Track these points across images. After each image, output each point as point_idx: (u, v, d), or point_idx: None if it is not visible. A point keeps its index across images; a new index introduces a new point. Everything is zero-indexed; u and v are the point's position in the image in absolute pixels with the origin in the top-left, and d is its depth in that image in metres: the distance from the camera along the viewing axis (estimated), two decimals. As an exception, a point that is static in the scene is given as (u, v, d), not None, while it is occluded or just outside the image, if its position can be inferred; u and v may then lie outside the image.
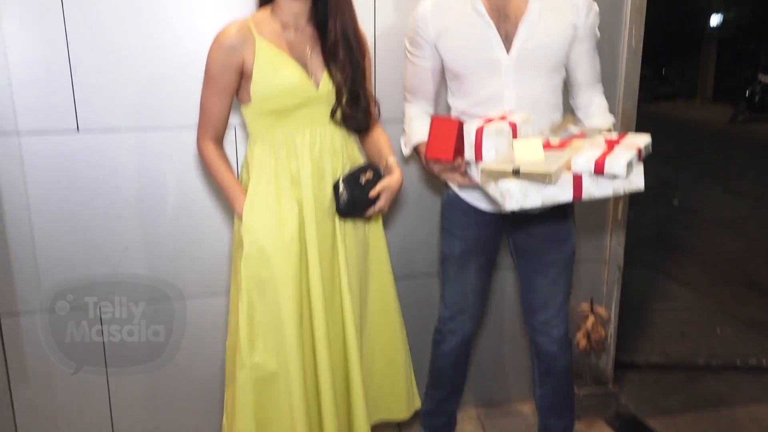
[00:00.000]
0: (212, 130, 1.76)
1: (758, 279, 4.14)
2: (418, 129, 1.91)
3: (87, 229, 2.18)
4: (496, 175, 1.52)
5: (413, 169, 2.42)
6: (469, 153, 1.65)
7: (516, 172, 1.49)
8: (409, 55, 1.94)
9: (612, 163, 1.46)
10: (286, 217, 1.74)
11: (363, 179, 1.78)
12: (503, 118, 1.67)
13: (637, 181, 1.53)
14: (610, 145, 1.56)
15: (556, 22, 1.79)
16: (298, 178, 1.75)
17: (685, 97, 16.72)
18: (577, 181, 1.52)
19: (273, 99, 1.68)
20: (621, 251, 2.62)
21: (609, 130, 1.75)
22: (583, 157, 1.49)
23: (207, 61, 1.68)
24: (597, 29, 1.88)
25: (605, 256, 2.65)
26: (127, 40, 2.08)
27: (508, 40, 1.78)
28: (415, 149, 1.94)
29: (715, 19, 17.14)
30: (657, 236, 4.95)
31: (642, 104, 2.52)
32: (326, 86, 1.72)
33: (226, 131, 1.84)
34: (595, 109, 1.93)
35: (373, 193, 1.77)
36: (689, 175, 7.33)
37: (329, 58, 1.71)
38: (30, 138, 2.09)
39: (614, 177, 1.48)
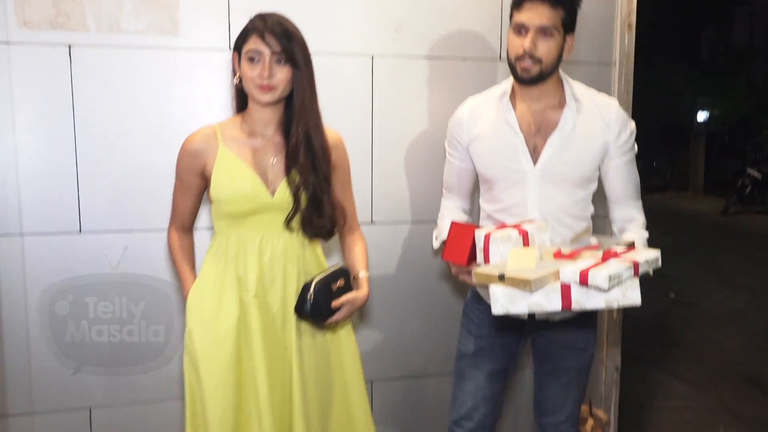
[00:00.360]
0: (178, 221, 1.87)
1: (759, 375, 4.07)
2: (447, 225, 1.96)
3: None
4: (485, 280, 1.54)
5: (408, 267, 2.46)
6: (479, 257, 1.68)
7: (501, 278, 1.50)
8: (447, 154, 2.05)
9: (595, 275, 1.45)
10: (222, 319, 1.73)
11: (334, 287, 1.77)
12: (518, 225, 1.71)
13: (632, 296, 1.50)
14: (607, 257, 1.55)
15: (586, 139, 1.85)
16: (245, 282, 1.76)
17: (676, 189, 16.99)
18: (566, 290, 1.51)
19: (227, 204, 1.74)
20: (618, 352, 2.60)
21: (628, 244, 1.72)
22: (570, 268, 1.49)
23: (176, 163, 1.79)
24: (635, 144, 1.92)
25: (602, 356, 2.63)
26: (133, 146, 2.19)
27: (536, 153, 1.85)
28: (443, 243, 1.98)
29: (702, 116, 17.68)
30: (655, 331, 4.90)
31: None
32: (283, 194, 1.75)
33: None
34: (629, 225, 1.93)
35: (335, 303, 1.76)
36: (685, 267, 7.34)
37: (290, 163, 1.75)
38: (33, 238, 2.13)
39: (599, 289, 1.48)
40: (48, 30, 2.09)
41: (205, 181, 1.78)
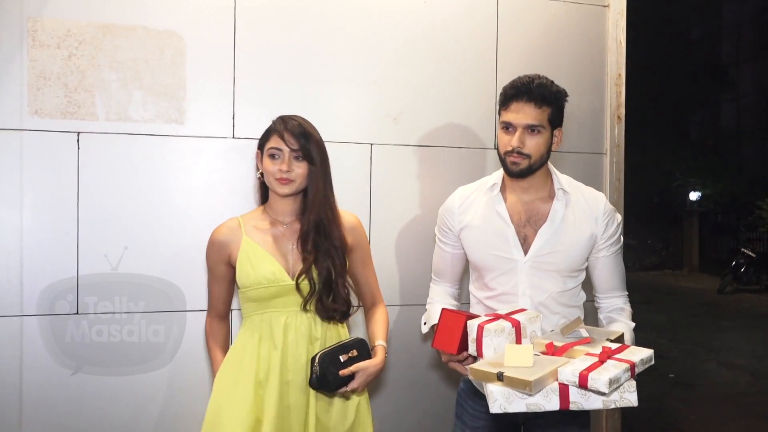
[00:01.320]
0: (214, 310, 1.97)
1: (763, 462, 3.96)
2: (436, 310, 1.96)
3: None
4: (482, 377, 1.51)
5: (399, 352, 2.44)
6: (471, 348, 1.66)
7: (499, 377, 1.48)
8: (437, 240, 2.07)
9: (595, 378, 1.42)
10: (238, 397, 1.82)
11: (344, 357, 1.81)
12: (511, 314, 1.70)
13: (629, 398, 1.48)
14: (604, 356, 1.52)
15: (575, 231, 1.88)
16: (267, 360, 1.83)
17: (672, 267, 16.97)
18: (564, 391, 1.49)
19: (251, 289, 1.84)
20: (618, 438, 2.54)
21: (619, 338, 1.73)
22: (569, 369, 1.47)
23: (206, 253, 1.92)
24: (621, 236, 1.96)
25: (603, 443, 2.57)
26: (135, 228, 2.21)
27: (526, 243, 1.88)
28: (432, 328, 1.98)
29: (694, 195, 17.89)
30: (655, 413, 4.79)
31: (630, 273, 2.57)
32: (303, 277, 1.85)
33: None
34: (615, 315, 1.95)
35: (344, 371, 1.79)
36: (683, 346, 7.25)
37: (303, 248, 1.87)
38: (32, 320, 2.13)
39: (598, 393, 1.45)
40: (58, 118, 2.15)
41: (232, 270, 1.89)
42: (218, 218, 2.16)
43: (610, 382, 1.41)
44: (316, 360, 1.78)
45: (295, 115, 1.89)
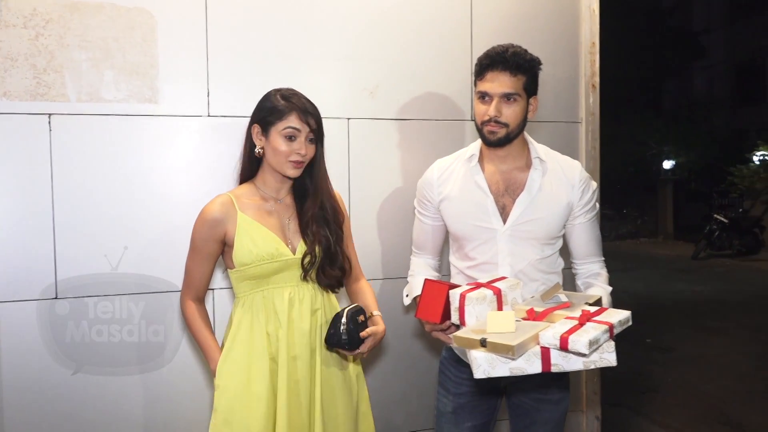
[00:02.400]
0: (194, 291, 1.87)
1: (738, 420, 4.07)
2: (418, 282, 1.96)
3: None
4: (466, 344, 1.54)
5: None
6: (454, 316, 1.68)
7: (483, 343, 1.50)
8: (417, 213, 2.08)
9: (575, 341, 1.45)
10: (255, 377, 1.79)
11: (360, 319, 1.83)
12: (492, 282, 1.72)
13: (609, 358, 1.52)
14: (583, 319, 1.55)
15: (552, 199, 1.90)
16: (275, 337, 1.81)
17: (647, 235, 17.23)
18: (545, 354, 1.51)
19: (252, 266, 1.79)
20: (598, 401, 2.60)
21: (597, 302, 1.77)
22: (550, 333, 1.50)
23: (192, 232, 1.83)
24: (596, 203, 1.98)
25: (582, 406, 2.62)
26: (111, 210, 2.18)
27: (505, 212, 1.89)
28: (415, 300, 2.00)
29: (668, 164, 18.11)
30: (634, 377, 4.90)
31: (607, 242, 2.60)
32: (302, 250, 1.84)
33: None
34: (592, 280, 1.99)
35: (364, 333, 1.81)
36: (660, 312, 7.39)
37: (305, 230, 1.85)
38: (7, 305, 2.12)
39: (579, 354, 1.48)
40: (28, 100, 2.11)
41: (222, 248, 1.84)
42: (197, 197, 2.15)
43: (590, 343, 1.44)
44: (344, 317, 1.78)
45: (292, 89, 1.83)
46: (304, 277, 1.84)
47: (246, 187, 1.89)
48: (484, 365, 1.50)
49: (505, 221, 1.88)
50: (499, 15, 2.61)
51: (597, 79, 2.74)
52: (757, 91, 18.88)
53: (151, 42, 2.21)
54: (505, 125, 1.82)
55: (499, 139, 1.84)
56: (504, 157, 1.91)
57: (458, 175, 1.95)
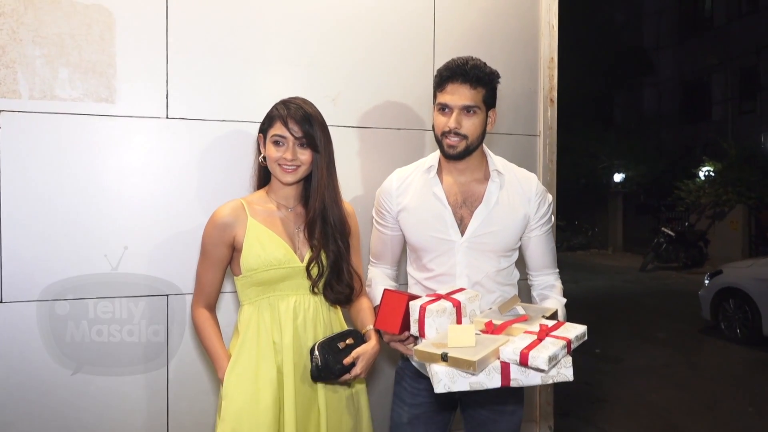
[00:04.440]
0: (205, 298, 1.87)
1: (683, 428, 4.21)
2: (377, 292, 1.97)
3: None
4: (427, 358, 1.55)
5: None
6: (414, 328, 1.69)
7: (444, 358, 1.51)
8: (375, 222, 2.08)
9: (535, 357, 1.48)
10: (263, 385, 1.79)
11: (341, 345, 1.82)
12: (451, 294, 1.74)
13: (566, 373, 1.56)
14: (542, 334, 1.58)
15: (508, 212, 1.93)
16: (280, 346, 1.82)
17: (598, 246, 17.65)
18: (505, 369, 1.54)
19: (260, 271, 1.80)
20: (551, 411, 2.65)
21: (553, 315, 1.81)
22: (510, 348, 1.52)
23: (203, 237, 1.83)
24: (552, 216, 2.02)
25: (536, 416, 2.67)
26: (62, 215, 2.13)
27: (463, 224, 1.91)
28: (374, 310, 1.99)
29: (618, 177, 18.61)
30: (584, 387, 5.01)
31: (559, 252, 2.66)
32: (308, 259, 1.85)
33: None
34: (548, 292, 2.02)
35: (347, 360, 1.80)
36: (609, 324, 7.58)
37: (309, 234, 1.87)
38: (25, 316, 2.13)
39: (538, 370, 1.51)
40: (-23, 96, 2.05)
41: (231, 253, 1.84)
42: (153, 201, 2.13)
43: (549, 359, 1.47)
44: (316, 349, 1.79)
45: (296, 98, 1.86)
46: (313, 289, 1.86)
47: (258, 194, 1.92)
48: (445, 379, 1.52)
49: (462, 233, 1.91)
50: (462, 28, 2.66)
51: (555, 93, 2.81)
52: (702, 109, 19.57)
53: (109, 40, 2.18)
54: (465, 137, 1.85)
55: (459, 153, 1.87)
56: (463, 170, 1.94)
57: (417, 186, 1.97)
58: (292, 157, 1.79)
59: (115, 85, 2.20)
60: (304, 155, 1.82)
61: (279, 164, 1.80)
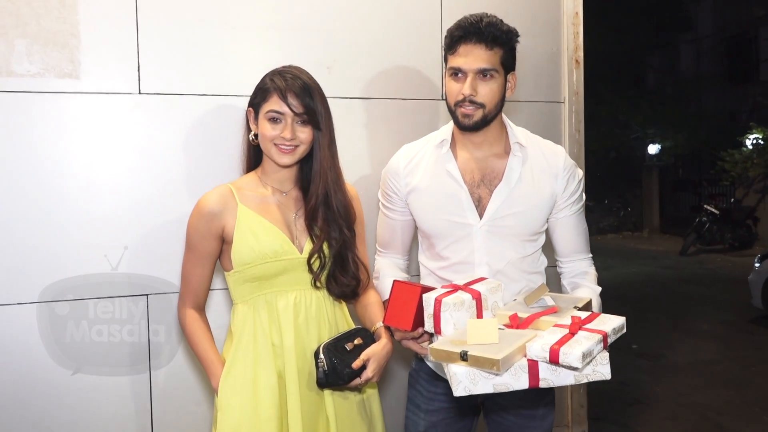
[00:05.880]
0: (193, 298, 1.87)
1: (733, 430, 4.23)
2: (386, 284, 1.96)
3: None
4: (444, 357, 1.54)
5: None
6: (428, 324, 1.68)
7: (463, 357, 1.50)
8: (381, 207, 2.08)
9: (567, 353, 1.46)
10: (263, 394, 1.79)
11: (349, 346, 1.82)
12: (470, 284, 1.73)
13: (602, 371, 1.54)
14: (575, 328, 1.57)
15: (534, 190, 1.92)
16: (281, 348, 1.81)
17: (631, 229, 17.64)
18: (533, 368, 1.53)
19: (254, 265, 1.79)
20: (584, 415, 2.67)
21: (587, 305, 1.80)
22: (538, 344, 1.51)
23: (187, 229, 1.82)
24: (582, 193, 2.01)
25: (567, 420, 2.68)
26: (23, 201, 2.15)
27: (481, 206, 1.91)
28: (383, 304, 1.99)
29: (653, 149, 18.54)
30: (620, 388, 5.03)
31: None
32: (309, 251, 1.83)
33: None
34: (580, 280, 2.02)
35: (356, 363, 1.80)
36: (646, 315, 7.59)
37: (310, 222, 1.85)
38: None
39: (570, 368, 1.51)
40: None
41: (221, 245, 1.83)
42: (123, 186, 2.14)
43: (584, 355, 1.46)
44: (320, 353, 1.78)
45: (290, 66, 1.83)
46: (314, 283, 1.85)
47: (249, 177, 1.90)
48: (465, 381, 1.52)
49: (481, 216, 1.91)
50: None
51: (581, 54, 2.80)
52: (748, 69, 19.46)
53: (71, 6, 2.17)
54: (482, 106, 1.84)
55: (476, 123, 1.86)
56: (480, 143, 1.94)
57: (428, 164, 1.97)
58: (291, 136, 1.77)
59: (80, 57, 2.19)
60: (304, 133, 1.80)
61: (275, 144, 1.78)
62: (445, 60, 1.90)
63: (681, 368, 5.65)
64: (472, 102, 1.83)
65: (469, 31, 1.83)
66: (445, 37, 1.90)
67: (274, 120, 1.77)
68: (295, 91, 1.76)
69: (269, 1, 2.40)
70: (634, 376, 5.37)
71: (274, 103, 1.76)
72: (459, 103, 1.85)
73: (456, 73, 1.85)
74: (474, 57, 1.82)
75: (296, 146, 1.79)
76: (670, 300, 8.63)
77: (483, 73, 1.83)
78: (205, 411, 2.36)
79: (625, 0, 17.71)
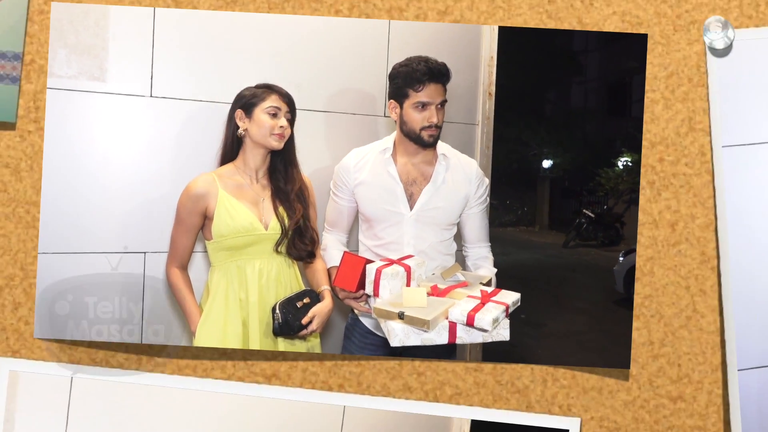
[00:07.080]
0: (178, 260, 2.02)
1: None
2: (331, 255, 2.13)
3: None
4: (385, 315, 1.68)
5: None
6: (369, 288, 1.83)
7: (401, 316, 1.65)
8: (332, 194, 2.21)
9: (481, 318, 1.64)
10: (230, 338, 1.93)
11: (299, 304, 1.96)
12: (402, 260, 1.88)
13: (503, 333, 1.75)
14: (484, 299, 1.74)
15: (452, 191, 2.14)
16: (246, 303, 1.95)
17: (526, 224, 18.07)
18: (452, 328, 1.71)
19: (229, 238, 1.94)
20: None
21: (488, 282, 1.98)
22: (458, 310, 1.68)
23: (177, 206, 1.98)
24: (487, 197, 2.26)
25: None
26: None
27: (412, 200, 2.08)
28: (328, 271, 2.14)
29: (547, 163, 19.03)
30: (509, 347, 5.21)
31: (491, 228, 2.85)
32: (275, 226, 2.00)
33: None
34: (481, 262, 2.25)
35: (305, 320, 1.96)
36: (533, 292, 7.83)
37: (281, 201, 2.03)
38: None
39: (482, 330, 1.67)
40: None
41: (203, 221, 1.97)
42: (131, 184, 2.15)
43: (493, 321, 1.64)
44: (277, 309, 1.93)
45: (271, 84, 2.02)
46: (277, 249, 2.00)
47: (227, 167, 2.05)
48: (401, 335, 1.67)
49: (411, 207, 2.05)
50: (413, 30, 2.71)
51: (493, 88, 2.94)
52: (623, 106, 20.00)
53: (104, 27, 2.16)
54: (439, 128, 2.05)
55: (436, 140, 2.09)
56: (415, 153, 2.07)
57: (373, 165, 2.10)
58: (286, 125, 1.97)
59: (107, 66, 2.20)
60: (288, 128, 2.00)
61: (274, 133, 1.95)
62: (404, 95, 2.01)
63: (559, 336, 5.88)
64: (436, 127, 1.97)
65: (436, 74, 2.00)
66: (405, 76, 2.02)
67: (274, 115, 1.95)
68: (286, 94, 1.99)
69: (254, 32, 2.43)
70: (521, 340, 5.57)
71: (275, 101, 1.97)
72: (425, 128, 2.02)
73: (422, 105, 1.98)
74: (437, 93, 2.04)
75: (287, 135, 1.99)
76: (554, 281, 8.89)
77: (441, 104, 1.98)
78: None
79: (531, 49, 18.08)
